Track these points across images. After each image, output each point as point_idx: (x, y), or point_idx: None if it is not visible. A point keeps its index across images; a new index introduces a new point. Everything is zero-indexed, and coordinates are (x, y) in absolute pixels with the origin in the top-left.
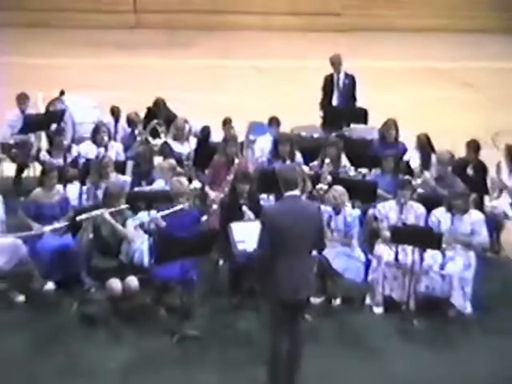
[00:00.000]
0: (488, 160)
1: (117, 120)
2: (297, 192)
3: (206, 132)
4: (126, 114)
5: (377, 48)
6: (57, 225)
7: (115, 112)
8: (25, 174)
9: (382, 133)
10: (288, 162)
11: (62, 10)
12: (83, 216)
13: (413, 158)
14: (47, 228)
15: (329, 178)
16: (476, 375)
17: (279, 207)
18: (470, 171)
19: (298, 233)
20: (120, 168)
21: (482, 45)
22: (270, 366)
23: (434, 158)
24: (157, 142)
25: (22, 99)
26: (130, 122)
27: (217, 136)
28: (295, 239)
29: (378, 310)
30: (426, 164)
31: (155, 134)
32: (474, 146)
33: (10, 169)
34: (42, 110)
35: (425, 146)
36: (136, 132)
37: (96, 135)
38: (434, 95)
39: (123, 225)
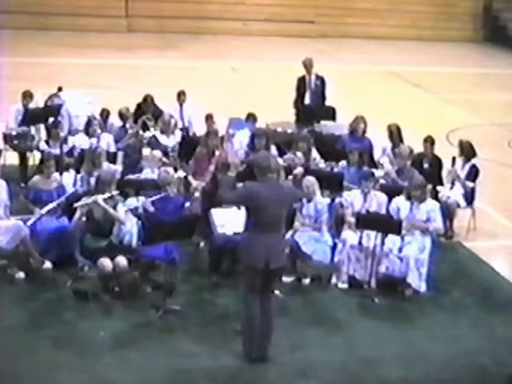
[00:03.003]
0: (441, 155)
1: (106, 119)
2: (272, 175)
3: (181, 95)
4: (118, 109)
5: (344, 53)
6: (51, 206)
7: (104, 113)
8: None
9: (351, 128)
10: None
11: (60, 14)
12: (80, 202)
13: (388, 146)
14: (44, 210)
15: (300, 169)
16: (429, 347)
17: (257, 186)
18: (426, 164)
19: (274, 209)
20: (111, 158)
21: (436, 52)
22: (245, 335)
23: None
24: (146, 135)
25: (27, 96)
26: (122, 116)
27: (200, 130)
28: (271, 215)
29: (343, 288)
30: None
31: (145, 127)
32: (430, 142)
33: (11, 157)
34: (41, 105)
35: (395, 135)
36: (127, 125)
37: (88, 128)
38: (392, 96)
39: (114, 209)
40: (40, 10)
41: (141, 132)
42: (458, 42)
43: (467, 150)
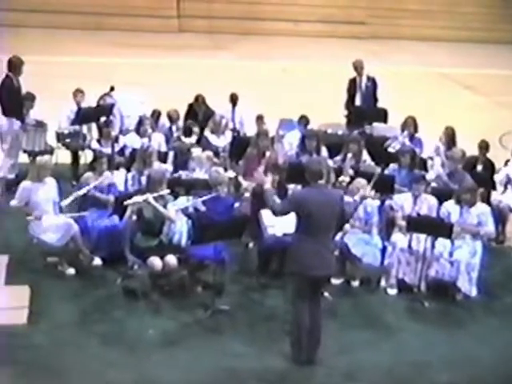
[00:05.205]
0: (494, 158)
1: (157, 119)
2: (322, 182)
3: (234, 98)
4: (166, 111)
5: (395, 54)
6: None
7: (155, 114)
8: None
9: (402, 129)
10: (314, 155)
11: (113, 14)
12: (131, 201)
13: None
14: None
15: (350, 171)
16: (479, 352)
17: (307, 192)
18: (479, 168)
19: (323, 217)
20: (162, 157)
21: (487, 54)
22: (293, 337)
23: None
24: (190, 140)
25: (78, 94)
26: (170, 118)
27: (250, 131)
28: (320, 222)
29: (392, 292)
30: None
31: (190, 132)
32: (484, 147)
33: (64, 156)
34: (94, 104)
35: (449, 138)
36: (174, 128)
37: (140, 127)
38: (443, 98)
39: (164, 208)
40: (94, 11)
41: (183, 138)
42: (510, 44)
43: None
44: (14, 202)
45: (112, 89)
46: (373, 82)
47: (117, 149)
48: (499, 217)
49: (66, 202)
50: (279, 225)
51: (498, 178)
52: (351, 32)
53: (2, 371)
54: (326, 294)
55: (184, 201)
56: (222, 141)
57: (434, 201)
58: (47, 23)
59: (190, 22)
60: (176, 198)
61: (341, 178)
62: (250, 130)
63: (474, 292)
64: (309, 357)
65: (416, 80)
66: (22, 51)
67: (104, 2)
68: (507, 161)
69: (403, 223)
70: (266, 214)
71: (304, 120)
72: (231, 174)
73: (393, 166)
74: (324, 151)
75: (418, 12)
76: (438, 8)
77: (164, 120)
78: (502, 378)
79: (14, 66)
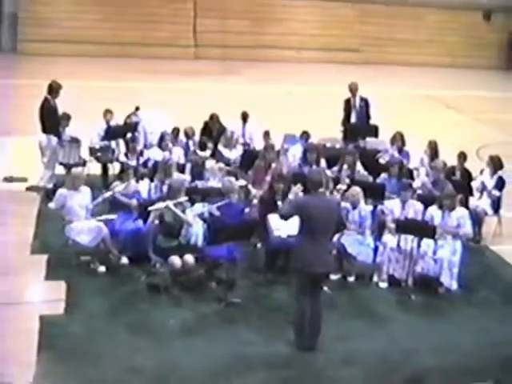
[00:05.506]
0: (471, 168)
1: (177, 135)
2: (322, 190)
3: (245, 116)
4: (183, 128)
5: (386, 78)
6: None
7: (175, 131)
8: (110, 172)
9: (392, 143)
10: (314, 166)
11: (137, 44)
12: (154, 207)
13: (425, 158)
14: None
15: (346, 180)
16: (460, 339)
17: (309, 199)
18: (458, 176)
19: (323, 221)
20: (181, 169)
21: (468, 78)
22: (296, 326)
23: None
24: (205, 154)
25: (107, 114)
26: (187, 134)
27: (258, 145)
28: (320, 226)
29: (383, 286)
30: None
31: (204, 146)
32: (462, 157)
33: (95, 168)
34: (121, 122)
35: (432, 151)
36: (190, 143)
37: (161, 142)
38: (428, 116)
39: (183, 213)
40: (120, 41)
41: (198, 151)
42: (487, 70)
43: (495, 163)
44: (51, 205)
45: (137, 109)
46: (366, 102)
47: (141, 161)
48: (476, 219)
49: (95, 203)
50: (284, 228)
51: (475, 185)
52: (347, 58)
53: (41, 356)
54: (326, 288)
55: (200, 207)
56: (234, 154)
57: (419, 206)
58: (79, 52)
59: (205, 51)
60: (193, 204)
61: (338, 187)
62: (259, 144)
63: (454, 286)
64: (310, 343)
65: (404, 101)
66: (58, 77)
67: (129, 33)
68: (482, 170)
69: (393, 225)
70: (272, 219)
71: (305, 135)
72: (242, 183)
73: (383, 175)
74: (323, 163)
75: (405, 41)
76: (424, 37)
77: (183, 136)
78: (481, 360)
79: (53, 89)
